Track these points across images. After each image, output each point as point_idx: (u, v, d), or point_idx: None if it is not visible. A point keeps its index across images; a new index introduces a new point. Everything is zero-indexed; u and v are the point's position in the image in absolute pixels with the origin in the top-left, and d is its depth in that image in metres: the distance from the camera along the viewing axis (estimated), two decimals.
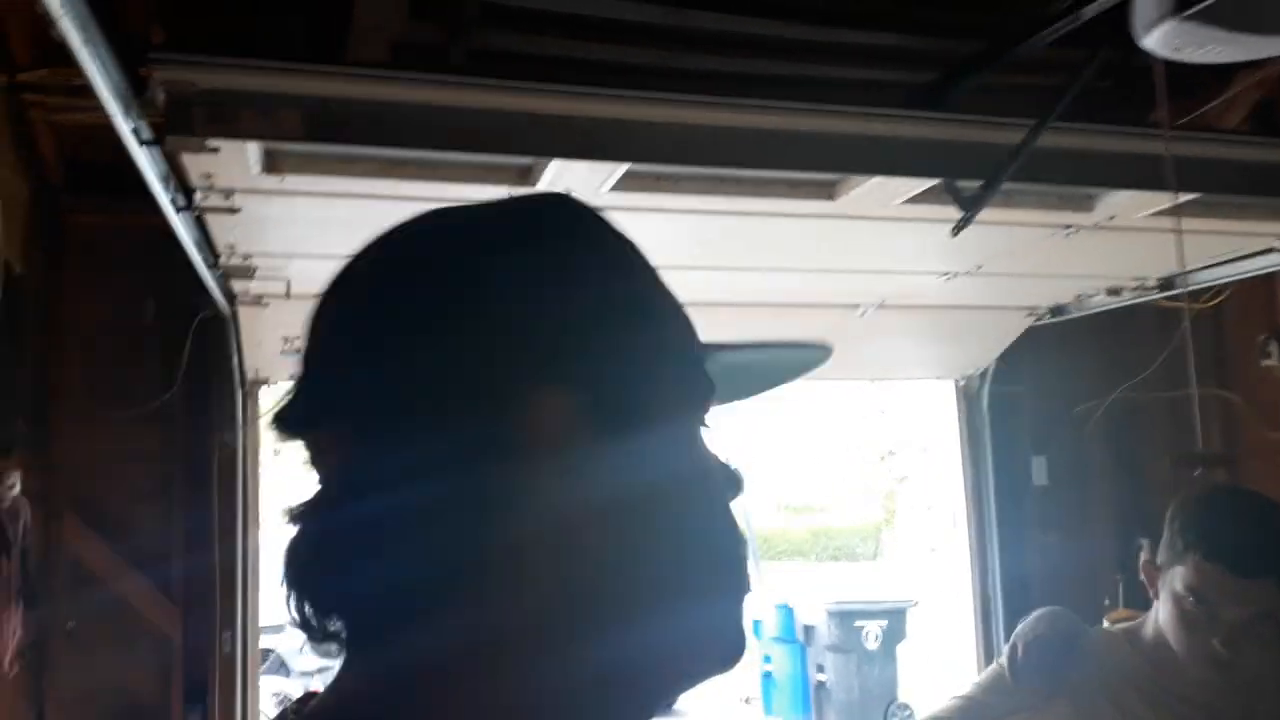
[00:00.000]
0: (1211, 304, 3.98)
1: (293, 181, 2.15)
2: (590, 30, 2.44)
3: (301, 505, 0.53)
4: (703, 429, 0.58)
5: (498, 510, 0.50)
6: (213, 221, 2.42)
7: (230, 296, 3.07)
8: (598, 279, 0.55)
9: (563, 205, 0.58)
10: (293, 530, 0.53)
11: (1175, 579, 1.51)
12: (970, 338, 4.36)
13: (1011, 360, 4.48)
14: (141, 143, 1.94)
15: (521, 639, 0.50)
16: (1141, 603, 1.62)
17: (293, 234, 2.63)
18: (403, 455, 0.50)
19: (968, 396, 4.67)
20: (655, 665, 0.53)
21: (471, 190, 2.24)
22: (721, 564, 0.56)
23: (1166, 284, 3.62)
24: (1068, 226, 2.84)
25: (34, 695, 3.25)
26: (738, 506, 0.58)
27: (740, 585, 0.57)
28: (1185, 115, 2.97)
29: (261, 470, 3.69)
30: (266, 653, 6.80)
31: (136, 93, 1.83)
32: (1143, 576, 1.59)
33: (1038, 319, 4.22)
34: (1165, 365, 3.95)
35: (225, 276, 2.87)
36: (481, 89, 1.96)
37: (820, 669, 7.48)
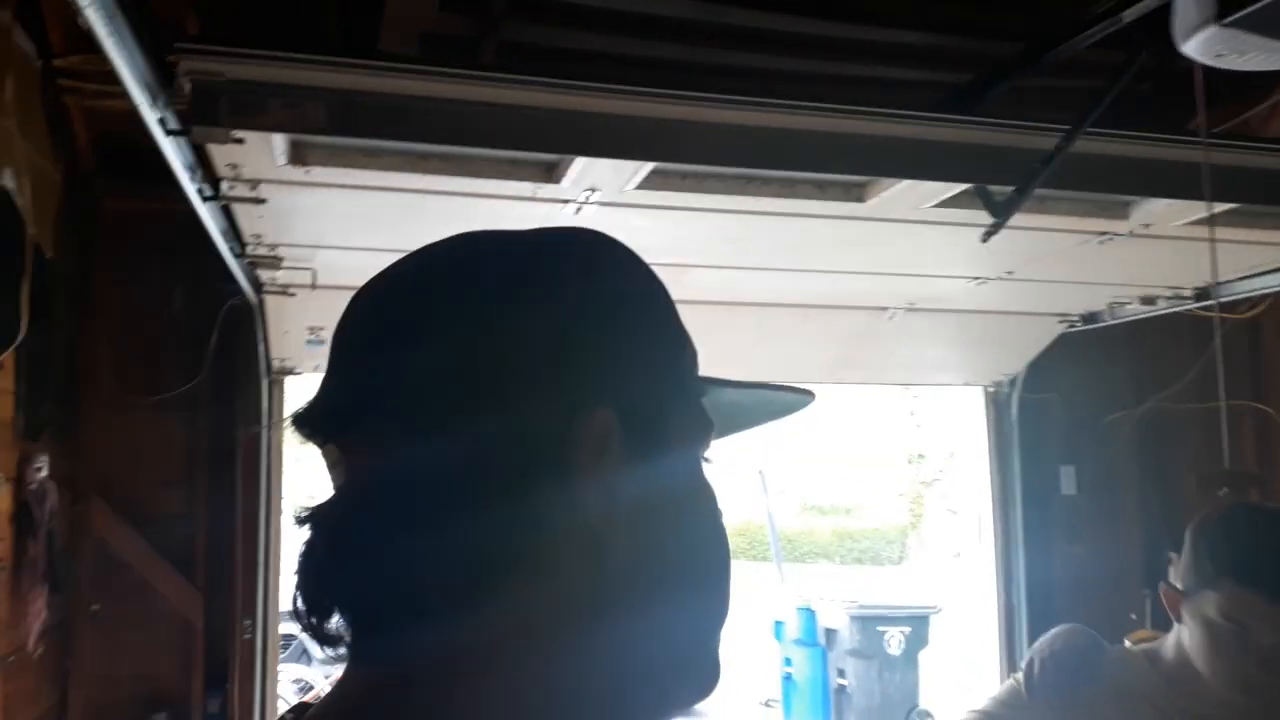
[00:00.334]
0: (1249, 315, 3.91)
1: (318, 173, 2.15)
2: (621, 25, 2.43)
3: (318, 507, 0.54)
4: (704, 457, 0.61)
5: (534, 519, 0.52)
6: (239, 211, 2.43)
7: (257, 285, 3.09)
8: (632, 308, 0.59)
9: (599, 238, 0.61)
10: (307, 532, 0.54)
11: (1206, 604, 1.47)
12: (1000, 344, 4.30)
13: (1042, 367, 4.41)
14: (168, 132, 1.94)
15: (539, 640, 0.52)
16: (1168, 622, 1.59)
17: (319, 225, 2.64)
18: (436, 463, 0.51)
19: (997, 403, 4.61)
20: (656, 672, 0.56)
21: (496, 185, 2.24)
22: (716, 593, 0.59)
23: (1202, 294, 3.56)
24: (1102, 234, 2.80)
25: (57, 677, 3.28)
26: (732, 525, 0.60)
27: (725, 610, 0.60)
28: (1225, 122, 2.91)
29: (285, 459, 3.71)
30: (287, 639, 6.84)
31: (166, 82, 1.84)
32: (1163, 600, 1.56)
33: (1070, 326, 4.16)
34: (1200, 377, 3.87)
35: (252, 265, 2.89)
36: (507, 85, 1.95)
37: (841, 673, 7.45)
